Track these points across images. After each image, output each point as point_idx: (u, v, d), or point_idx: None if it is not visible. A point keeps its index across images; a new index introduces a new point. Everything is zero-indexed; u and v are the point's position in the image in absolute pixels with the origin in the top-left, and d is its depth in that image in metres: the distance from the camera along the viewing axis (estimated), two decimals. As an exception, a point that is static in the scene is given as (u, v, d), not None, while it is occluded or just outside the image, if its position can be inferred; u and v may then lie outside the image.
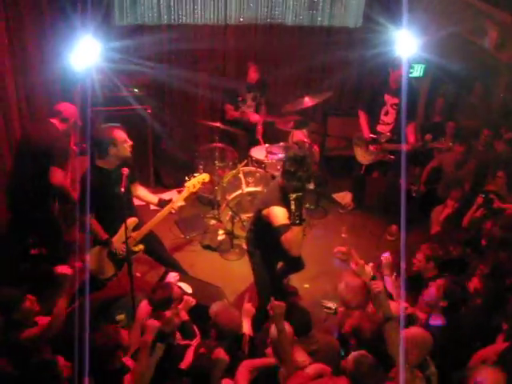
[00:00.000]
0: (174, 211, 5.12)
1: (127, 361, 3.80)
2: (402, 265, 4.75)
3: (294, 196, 4.09)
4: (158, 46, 7.58)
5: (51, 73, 6.40)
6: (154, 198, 5.29)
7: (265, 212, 4.42)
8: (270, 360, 3.89)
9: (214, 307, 4.05)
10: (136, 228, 5.01)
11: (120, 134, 4.72)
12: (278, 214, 4.26)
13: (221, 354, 3.64)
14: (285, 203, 4.26)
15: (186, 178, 5.75)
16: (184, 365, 3.81)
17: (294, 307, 4.26)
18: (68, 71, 5.39)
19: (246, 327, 4.18)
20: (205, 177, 5.39)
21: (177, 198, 5.18)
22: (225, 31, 7.93)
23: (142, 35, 7.46)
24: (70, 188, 5.32)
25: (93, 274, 4.87)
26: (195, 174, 5.62)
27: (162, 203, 5.17)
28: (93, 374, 3.39)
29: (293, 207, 4.11)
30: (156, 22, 7.52)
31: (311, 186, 7.62)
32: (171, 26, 7.61)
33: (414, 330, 3.83)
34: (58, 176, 5.12)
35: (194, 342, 4.19)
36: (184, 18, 7.60)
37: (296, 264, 5.21)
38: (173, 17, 7.54)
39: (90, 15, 6.18)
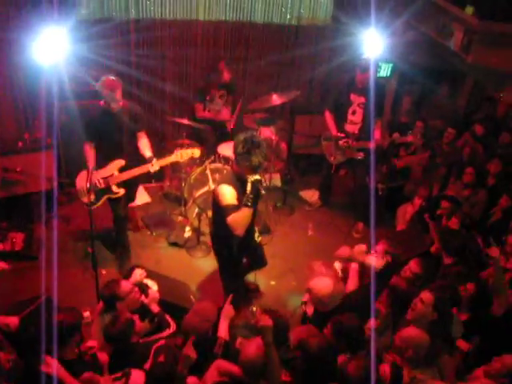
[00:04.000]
0: (151, 170, 5.46)
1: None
2: (372, 265, 4.79)
3: (252, 178, 4.04)
4: (126, 41, 7.47)
5: (14, 64, 6.28)
6: (147, 153, 5.56)
7: (215, 192, 4.34)
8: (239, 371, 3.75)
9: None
10: (122, 170, 5.50)
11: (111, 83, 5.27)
12: (226, 193, 4.18)
13: (189, 351, 3.57)
14: (236, 186, 4.22)
15: (177, 148, 5.88)
16: (148, 365, 3.66)
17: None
18: (33, 63, 5.29)
19: (223, 330, 4.05)
20: (195, 152, 5.54)
21: (158, 161, 5.48)
22: (194, 27, 7.83)
23: (109, 29, 7.32)
24: None
25: (77, 194, 5.66)
26: (187, 147, 5.81)
27: (149, 160, 5.49)
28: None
29: (249, 189, 4.06)
30: (123, 16, 7.39)
31: (278, 184, 7.67)
32: (139, 20, 7.49)
33: (411, 330, 3.81)
34: None
35: (165, 333, 4.23)
36: (152, 12, 7.50)
37: (259, 260, 5.20)
38: (141, 11, 7.42)
39: (56, 7, 6.08)
